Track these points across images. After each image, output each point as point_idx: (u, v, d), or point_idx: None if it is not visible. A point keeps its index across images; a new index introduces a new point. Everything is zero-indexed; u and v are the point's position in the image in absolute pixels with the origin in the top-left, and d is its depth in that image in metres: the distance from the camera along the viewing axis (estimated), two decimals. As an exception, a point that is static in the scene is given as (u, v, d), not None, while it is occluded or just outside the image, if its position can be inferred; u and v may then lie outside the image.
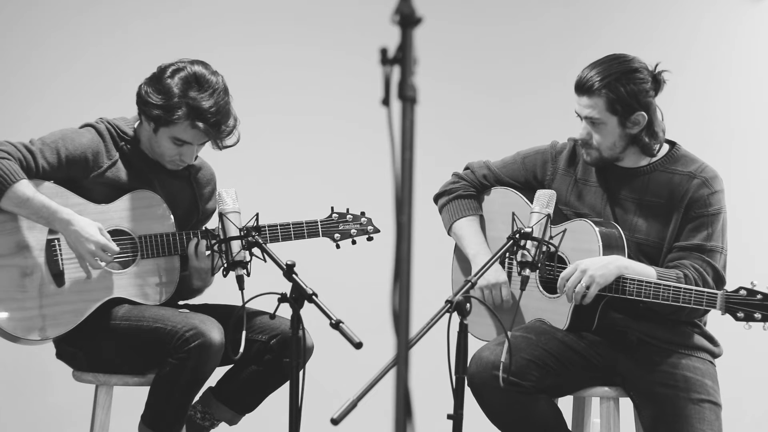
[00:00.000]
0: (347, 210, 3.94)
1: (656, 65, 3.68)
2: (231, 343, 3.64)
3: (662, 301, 3.52)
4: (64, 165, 3.69)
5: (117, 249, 3.67)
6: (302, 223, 3.87)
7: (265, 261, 3.59)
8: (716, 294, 3.48)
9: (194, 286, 3.91)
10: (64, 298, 3.69)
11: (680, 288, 3.50)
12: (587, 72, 3.65)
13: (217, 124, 3.68)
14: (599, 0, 5.45)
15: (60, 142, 3.70)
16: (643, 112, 3.64)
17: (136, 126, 3.81)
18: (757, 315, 3.44)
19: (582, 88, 3.65)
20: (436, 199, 4.04)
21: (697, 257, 3.64)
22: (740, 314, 3.45)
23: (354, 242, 3.96)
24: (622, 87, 3.61)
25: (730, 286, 3.52)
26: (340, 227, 3.92)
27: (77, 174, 3.72)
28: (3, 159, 3.59)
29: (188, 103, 3.66)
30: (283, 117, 5.25)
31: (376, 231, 3.97)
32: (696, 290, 3.50)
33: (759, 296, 3.44)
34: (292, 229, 3.84)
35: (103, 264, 3.67)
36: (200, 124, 3.67)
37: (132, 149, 3.79)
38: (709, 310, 3.64)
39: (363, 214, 3.96)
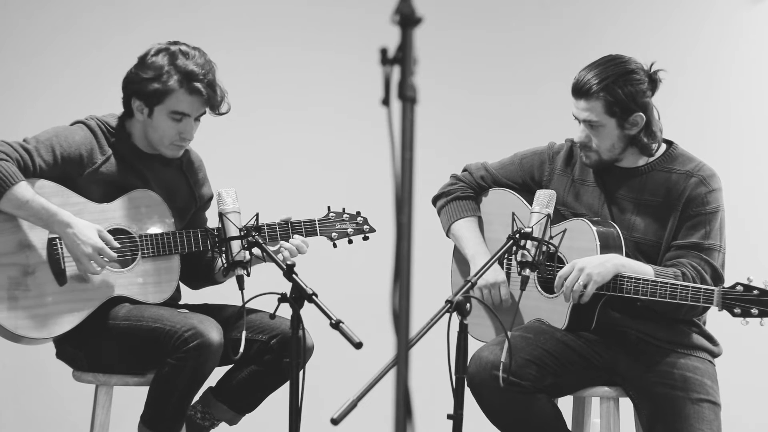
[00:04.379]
0: (343, 209, 3.95)
1: (651, 65, 3.68)
2: (231, 343, 3.64)
3: (659, 298, 3.52)
4: (60, 163, 3.69)
5: (114, 255, 3.67)
6: (300, 222, 3.87)
7: (265, 261, 3.59)
8: (713, 290, 3.48)
9: (221, 279, 3.94)
10: (65, 297, 3.69)
11: (677, 285, 3.51)
12: (584, 75, 3.65)
13: (211, 84, 3.71)
14: (600, 0, 5.45)
15: (54, 139, 3.70)
16: (641, 113, 3.64)
17: (125, 122, 3.80)
18: (754, 311, 3.43)
19: (579, 91, 3.65)
20: (435, 201, 4.05)
21: (695, 255, 3.64)
22: (737, 310, 3.44)
23: (350, 241, 3.97)
24: (620, 89, 3.61)
25: (729, 284, 3.51)
26: (336, 226, 3.93)
27: (72, 171, 3.72)
28: (1, 161, 3.59)
29: (179, 70, 3.69)
30: (282, 116, 5.25)
31: (372, 230, 3.98)
32: (693, 287, 3.50)
33: (756, 292, 3.44)
34: (290, 228, 3.84)
35: (99, 269, 3.66)
36: (197, 85, 3.68)
37: (123, 144, 3.79)
38: (708, 308, 3.63)
39: (359, 213, 3.97)
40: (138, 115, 3.76)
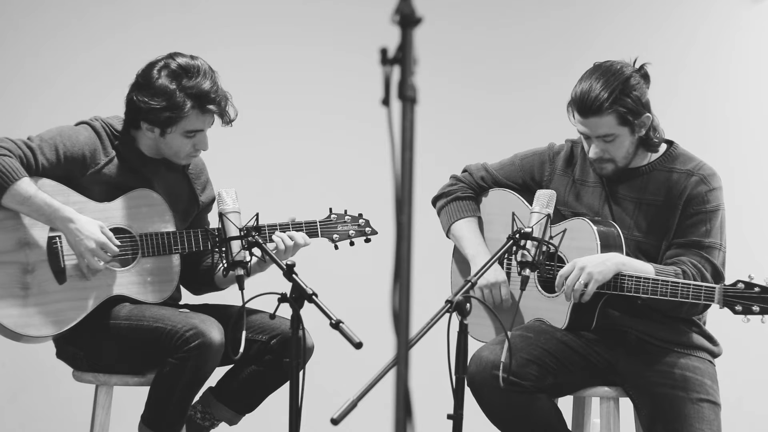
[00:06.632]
0: (345, 211, 3.95)
1: (634, 60, 3.69)
2: (231, 343, 3.64)
3: (660, 296, 3.52)
4: (63, 162, 3.69)
5: (116, 249, 3.68)
6: (301, 224, 3.87)
7: (264, 261, 3.58)
8: (714, 287, 3.48)
9: (223, 286, 3.94)
10: (65, 295, 3.69)
11: (678, 283, 3.51)
12: (588, 92, 3.61)
13: (222, 100, 3.71)
14: (600, 0, 5.46)
15: (58, 138, 3.70)
16: (648, 113, 3.66)
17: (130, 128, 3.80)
18: (756, 308, 3.43)
19: (589, 109, 3.61)
20: (434, 201, 4.05)
21: (695, 253, 3.65)
22: (738, 307, 3.44)
23: (352, 243, 3.96)
24: (627, 97, 3.61)
25: (731, 281, 3.51)
26: (338, 228, 3.93)
27: (75, 171, 3.72)
28: (4, 156, 3.59)
29: (189, 93, 3.67)
30: (283, 117, 5.25)
31: (374, 233, 3.97)
32: (694, 284, 3.50)
33: (757, 289, 3.44)
34: (291, 229, 3.84)
35: (101, 264, 3.67)
36: (211, 107, 3.68)
37: (127, 148, 3.79)
38: (708, 306, 3.63)
39: (361, 215, 3.96)
40: (148, 132, 3.75)
